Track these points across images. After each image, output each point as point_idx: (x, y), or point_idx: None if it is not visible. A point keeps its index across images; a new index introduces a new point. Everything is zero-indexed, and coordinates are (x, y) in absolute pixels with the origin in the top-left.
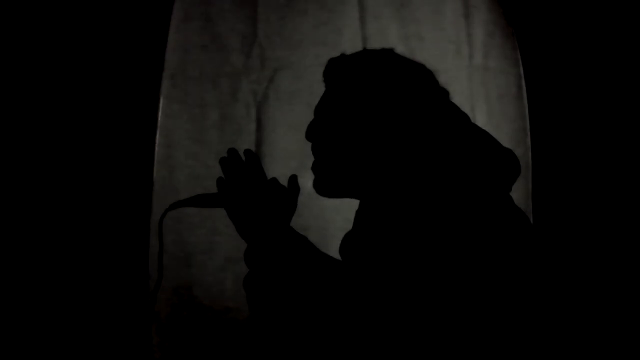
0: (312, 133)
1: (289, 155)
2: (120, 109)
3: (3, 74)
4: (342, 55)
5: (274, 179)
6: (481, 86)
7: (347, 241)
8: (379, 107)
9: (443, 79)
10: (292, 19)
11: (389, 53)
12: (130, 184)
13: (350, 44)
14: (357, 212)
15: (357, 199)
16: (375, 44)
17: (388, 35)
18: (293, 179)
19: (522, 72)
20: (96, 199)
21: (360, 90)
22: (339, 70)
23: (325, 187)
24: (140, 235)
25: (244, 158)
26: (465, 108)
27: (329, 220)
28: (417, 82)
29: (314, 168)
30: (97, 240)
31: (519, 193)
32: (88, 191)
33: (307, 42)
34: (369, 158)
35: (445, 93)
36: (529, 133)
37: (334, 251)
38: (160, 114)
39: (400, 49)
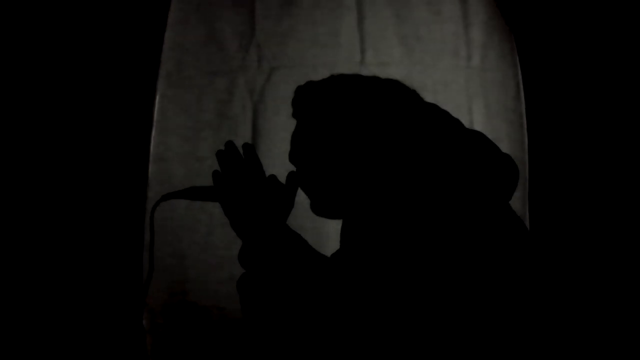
0: (295, 158)
1: (285, 155)
2: (116, 106)
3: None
4: (310, 82)
5: (273, 176)
6: (479, 87)
7: (339, 260)
8: (358, 128)
9: (441, 80)
10: (289, 17)
11: (358, 78)
12: (125, 181)
13: (348, 44)
14: (344, 230)
15: (355, 217)
16: (372, 43)
17: (385, 35)
18: (292, 175)
19: (520, 73)
20: (91, 196)
21: (335, 114)
22: (311, 98)
23: (323, 208)
24: (135, 234)
25: (242, 152)
26: (462, 109)
27: (325, 220)
28: (392, 102)
29: (306, 192)
30: (91, 238)
31: (515, 195)
32: (83, 188)
33: (304, 41)
34: (359, 178)
35: (430, 106)
36: (526, 134)
37: (329, 252)
38: (156, 111)
39: (398, 49)
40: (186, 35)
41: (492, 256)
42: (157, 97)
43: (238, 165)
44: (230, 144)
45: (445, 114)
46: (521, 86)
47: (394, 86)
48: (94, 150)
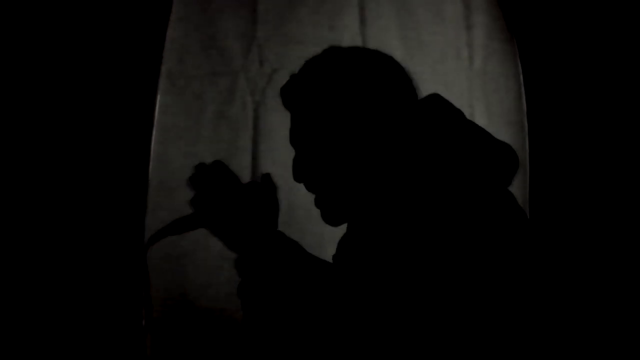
0: (301, 172)
1: (287, 155)
2: (117, 106)
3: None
4: (293, 76)
5: (251, 183)
6: (481, 89)
7: (343, 248)
8: (354, 120)
9: (443, 82)
10: (291, 18)
11: (346, 57)
12: (126, 181)
13: (350, 44)
14: (347, 234)
15: (363, 216)
16: (374, 45)
17: (387, 37)
18: (266, 177)
19: (521, 75)
20: (91, 197)
21: (326, 106)
22: (301, 91)
23: (335, 217)
24: (134, 233)
25: (214, 171)
26: (463, 111)
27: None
28: (384, 83)
29: (317, 204)
30: (91, 237)
31: (517, 195)
32: (83, 188)
33: (306, 42)
34: (364, 176)
35: (414, 90)
36: (527, 137)
37: (330, 254)
38: (157, 111)
39: (400, 51)
40: (187, 36)
41: (494, 249)
42: (158, 97)
43: (213, 185)
44: (200, 167)
45: (444, 101)
46: (523, 88)
47: (385, 69)
48: (95, 149)
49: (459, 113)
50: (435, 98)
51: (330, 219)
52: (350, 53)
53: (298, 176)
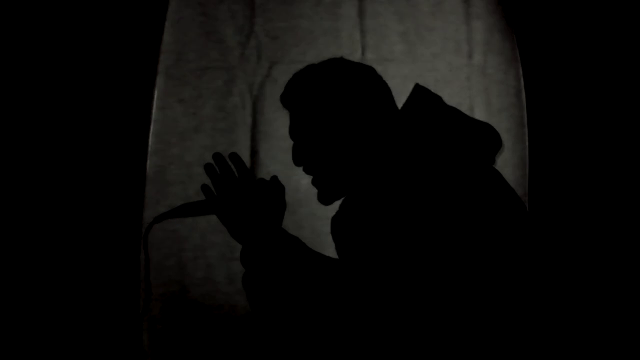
0: (299, 157)
1: (285, 150)
2: (115, 102)
3: None
4: (295, 76)
5: (262, 180)
6: (480, 84)
7: (338, 224)
8: (346, 112)
9: (442, 77)
10: (289, 12)
11: (337, 62)
12: (124, 177)
13: (349, 39)
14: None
15: (353, 192)
16: (373, 40)
17: (387, 32)
18: (274, 179)
19: (521, 70)
20: (89, 194)
21: (324, 102)
22: (298, 90)
23: (329, 196)
24: (132, 230)
25: (229, 162)
26: (463, 106)
27: (322, 217)
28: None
29: (314, 183)
30: (89, 236)
31: (516, 189)
32: (81, 186)
33: (304, 36)
34: (356, 159)
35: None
36: (527, 131)
37: (327, 247)
38: (154, 106)
39: (399, 46)
40: (185, 30)
41: (480, 226)
42: (156, 92)
43: (227, 175)
44: (217, 156)
45: (423, 89)
46: (522, 83)
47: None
48: (93, 146)
49: (437, 98)
50: (416, 87)
51: (324, 198)
52: (336, 64)
53: (297, 160)
